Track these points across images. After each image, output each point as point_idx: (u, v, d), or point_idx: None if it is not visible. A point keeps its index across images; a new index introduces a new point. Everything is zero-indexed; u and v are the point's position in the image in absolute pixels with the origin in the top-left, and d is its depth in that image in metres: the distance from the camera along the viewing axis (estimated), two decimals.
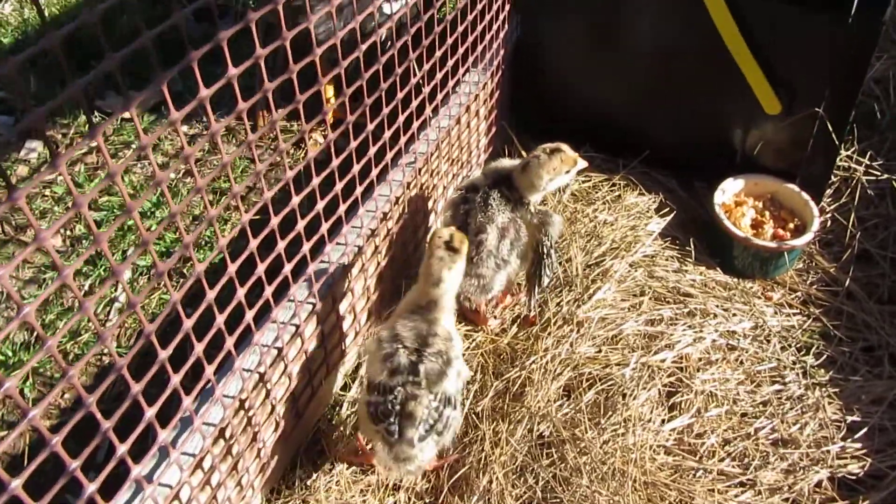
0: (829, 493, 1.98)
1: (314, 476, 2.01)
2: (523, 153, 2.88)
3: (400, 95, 2.02)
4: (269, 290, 1.66)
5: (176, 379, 1.41)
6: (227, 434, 1.68)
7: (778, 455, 2.06)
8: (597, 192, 2.82)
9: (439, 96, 2.34)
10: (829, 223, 2.75)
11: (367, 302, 2.24)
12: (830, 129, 2.49)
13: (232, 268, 1.51)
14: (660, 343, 2.30)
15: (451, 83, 2.37)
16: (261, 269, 1.60)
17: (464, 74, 2.55)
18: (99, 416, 1.21)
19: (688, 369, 2.25)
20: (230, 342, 1.56)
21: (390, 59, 1.89)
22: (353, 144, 1.84)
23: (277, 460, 1.96)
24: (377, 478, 2.02)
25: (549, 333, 2.32)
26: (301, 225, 1.72)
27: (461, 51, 2.35)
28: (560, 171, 2.18)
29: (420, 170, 2.34)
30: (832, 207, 2.78)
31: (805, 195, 2.62)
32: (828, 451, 2.06)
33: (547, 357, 2.25)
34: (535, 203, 2.25)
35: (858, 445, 2.08)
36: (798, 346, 2.36)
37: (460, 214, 2.18)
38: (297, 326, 1.85)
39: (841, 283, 2.55)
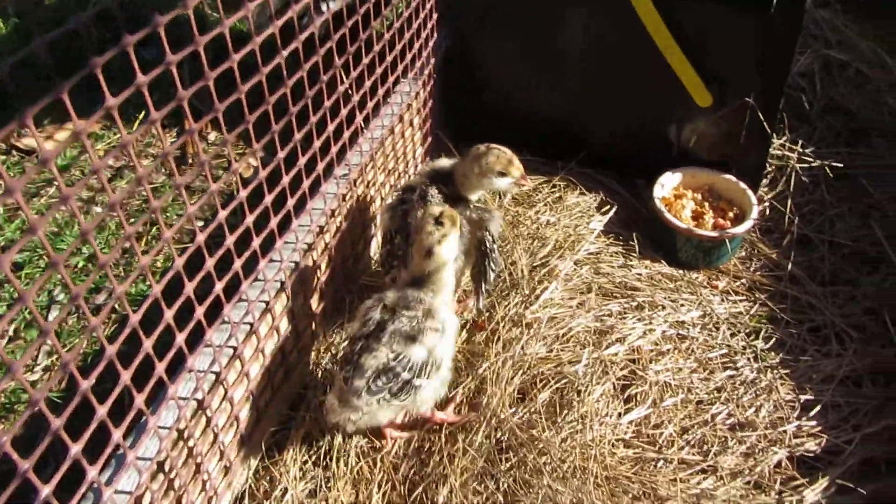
0: (790, 472, 1.97)
1: None
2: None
3: (328, 104, 1.97)
4: (199, 311, 1.59)
5: (102, 411, 1.32)
6: (167, 467, 1.59)
7: (736, 439, 2.05)
8: (538, 195, 2.81)
9: (370, 105, 2.31)
10: (767, 211, 2.79)
11: (309, 319, 2.18)
12: (762, 118, 2.53)
13: (157, 288, 1.44)
14: (611, 338, 2.28)
15: (381, 92, 2.34)
16: (189, 288, 1.53)
17: (394, 84, 2.52)
18: (15, 456, 1.13)
19: (640, 361, 2.23)
20: (161, 368, 1.48)
21: (314, 66, 1.85)
22: (281, 154, 1.79)
23: (224, 487, 1.87)
24: (332, 495, 1.94)
25: (499, 337, 2.28)
26: (230, 240, 1.65)
27: (389, 59, 2.32)
28: (493, 168, 2.16)
29: (355, 181, 2.30)
30: (769, 196, 2.82)
31: (742, 185, 2.66)
32: (784, 432, 2.05)
33: (498, 362, 2.21)
34: (473, 201, 2.23)
35: (814, 423, 2.08)
36: (747, 331, 2.37)
37: (398, 216, 2.14)
38: (235, 349, 1.78)
39: (783, 267, 2.57)
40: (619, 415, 2.10)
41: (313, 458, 2.02)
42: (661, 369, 2.21)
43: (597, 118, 2.83)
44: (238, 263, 1.72)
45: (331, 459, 2.01)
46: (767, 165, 2.82)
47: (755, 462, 1.99)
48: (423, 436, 2.08)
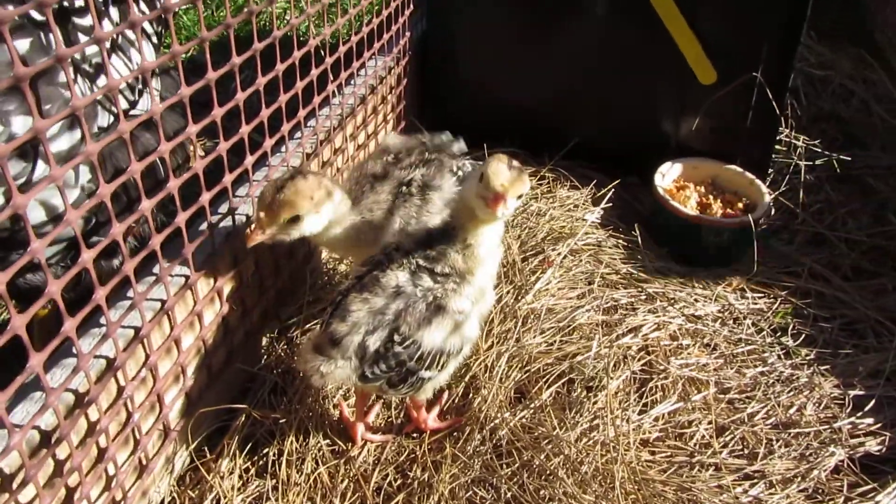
0: (852, 477, 1.61)
1: None
2: None
3: (297, 53, 1.64)
4: (130, 265, 1.18)
5: None
6: (53, 440, 1.14)
7: (782, 440, 1.69)
8: None
9: (343, 75, 1.99)
10: (773, 210, 2.52)
11: (261, 295, 1.76)
12: (770, 95, 2.29)
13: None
14: (621, 329, 1.92)
15: (355, 65, 2.04)
16: (117, 229, 1.13)
17: (369, 58, 2.20)
18: None
19: (657, 354, 1.87)
20: (69, 324, 1.06)
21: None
22: (241, 96, 1.42)
23: (137, 493, 1.40)
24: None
25: (490, 330, 1.90)
26: (174, 184, 1.26)
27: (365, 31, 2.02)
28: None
29: (321, 142, 1.94)
30: (775, 194, 2.56)
31: (749, 175, 2.39)
32: (839, 430, 1.70)
33: (491, 356, 1.82)
34: None
35: (870, 420, 1.74)
36: (772, 327, 2.04)
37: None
38: (163, 302, 1.36)
39: (799, 264, 2.28)
40: (641, 412, 1.72)
41: (258, 464, 1.57)
42: (684, 363, 1.86)
43: (586, 107, 2.56)
44: (182, 217, 1.33)
45: (280, 466, 1.56)
46: (771, 160, 2.56)
47: (809, 465, 1.62)
48: (401, 441, 1.66)
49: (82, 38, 1.41)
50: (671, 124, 2.50)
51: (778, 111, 2.31)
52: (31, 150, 1.32)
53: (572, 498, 1.47)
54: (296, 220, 1.45)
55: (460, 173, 1.75)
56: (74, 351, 1.14)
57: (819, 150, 2.73)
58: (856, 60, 3.47)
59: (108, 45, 1.52)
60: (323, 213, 1.50)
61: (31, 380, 1.11)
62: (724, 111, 2.39)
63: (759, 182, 2.36)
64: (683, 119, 2.47)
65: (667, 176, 2.42)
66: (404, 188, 1.66)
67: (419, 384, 1.44)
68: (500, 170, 1.32)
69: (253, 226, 1.46)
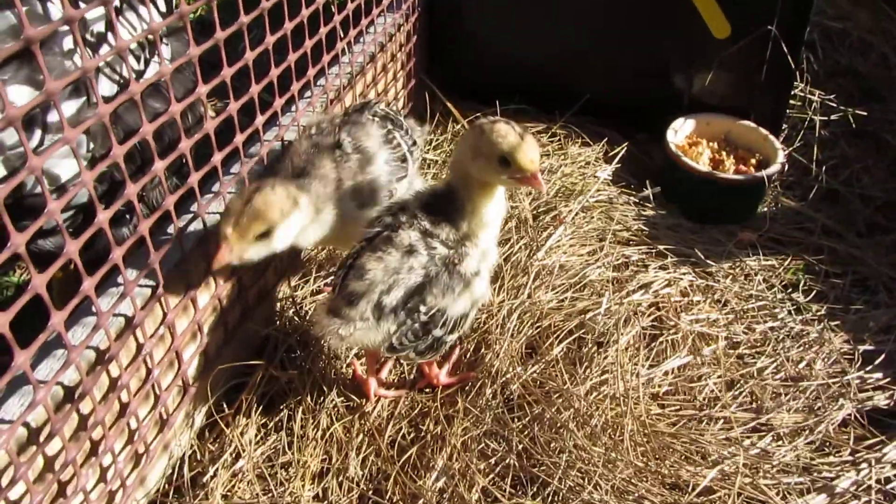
0: (860, 430, 1.63)
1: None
2: (449, 105, 2.54)
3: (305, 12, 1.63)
4: (144, 224, 1.20)
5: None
6: (76, 395, 1.18)
7: (790, 395, 1.70)
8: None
9: (352, 32, 1.97)
10: (786, 166, 2.50)
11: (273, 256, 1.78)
12: (785, 49, 2.26)
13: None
14: (632, 285, 1.93)
15: (364, 22, 2.02)
16: (132, 189, 1.14)
17: (378, 15, 2.18)
18: None
19: (667, 310, 1.89)
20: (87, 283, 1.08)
21: None
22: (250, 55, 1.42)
23: (158, 447, 1.45)
24: (298, 459, 1.53)
25: (502, 286, 1.92)
26: (186, 144, 1.27)
27: None
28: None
29: (332, 101, 1.94)
30: (789, 150, 2.54)
31: (763, 130, 2.37)
32: (847, 384, 1.72)
33: (503, 312, 1.84)
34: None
35: (879, 375, 1.75)
36: (783, 283, 2.05)
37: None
38: (181, 255, 1.38)
39: (813, 220, 2.28)
40: (651, 367, 1.74)
41: (275, 419, 1.61)
42: (694, 319, 1.87)
43: (596, 63, 2.53)
44: (194, 177, 1.34)
45: (296, 421, 1.60)
46: (785, 115, 2.53)
47: (817, 418, 1.64)
48: (414, 396, 1.69)
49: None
50: (683, 80, 2.47)
51: (793, 65, 2.28)
52: (35, 120, 1.32)
53: (582, 450, 1.50)
54: (267, 234, 1.36)
55: (377, 120, 1.72)
56: (94, 310, 1.16)
57: (834, 105, 2.69)
58: (874, 13, 3.40)
59: (115, 3, 1.52)
60: (293, 222, 1.41)
61: (53, 338, 1.15)
62: (738, 66, 2.36)
63: (772, 138, 2.34)
64: (696, 74, 2.43)
65: (679, 132, 2.40)
66: (338, 152, 1.61)
67: (441, 347, 1.47)
68: (529, 145, 1.33)
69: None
